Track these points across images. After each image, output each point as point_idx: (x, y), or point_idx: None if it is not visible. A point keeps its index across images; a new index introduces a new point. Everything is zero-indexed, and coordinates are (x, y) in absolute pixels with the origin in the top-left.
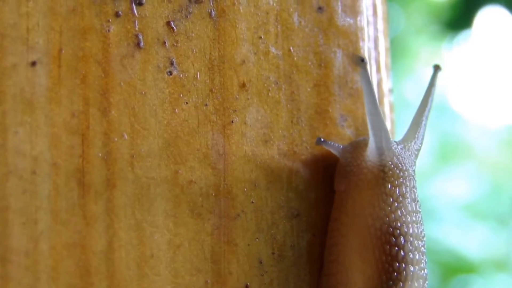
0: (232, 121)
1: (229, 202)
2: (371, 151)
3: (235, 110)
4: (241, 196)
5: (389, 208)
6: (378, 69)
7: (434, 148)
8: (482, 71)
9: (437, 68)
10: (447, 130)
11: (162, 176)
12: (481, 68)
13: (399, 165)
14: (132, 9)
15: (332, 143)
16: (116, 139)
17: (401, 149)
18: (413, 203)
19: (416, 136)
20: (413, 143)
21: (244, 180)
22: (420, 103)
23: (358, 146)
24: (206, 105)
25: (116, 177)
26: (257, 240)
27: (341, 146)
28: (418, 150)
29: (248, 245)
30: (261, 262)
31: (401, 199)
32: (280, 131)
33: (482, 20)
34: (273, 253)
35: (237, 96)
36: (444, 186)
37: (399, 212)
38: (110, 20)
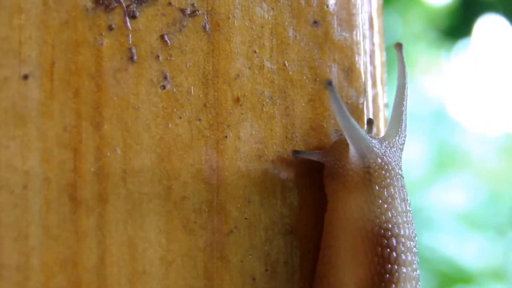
0: (226, 136)
1: (222, 218)
2: (353, 155)
3: (229, 125)
4: (235, 212)
5: (379, 210)
6: (374, 84)
7: (432, 157)
8: (481, 79)
9: (399, 46)
10: (444, 138)
11: (155, 192)
12: (480, 76)
13: (385, 165)
14: (125, 22)
15: (309, 152)
16: (108, 153)
17: (386, 147)
18: (403, 203)
19: (399, 130)
20: (397, 138)
21: (237, 196)
22: (397, 92)
23: (339, 147)
24: (199, 120)
25: (108, 192)
26: (250, 256)
27: (321, 151)
28: (403, 144)
29: (241, 261)
30: (254, 279)
31: (390, 200)
32: (275, 147)
33: (481, 29)
34: (266, 270)
35: (231, 111)
36: (441, 195)
37: (389, 213)
38: (103, 34)
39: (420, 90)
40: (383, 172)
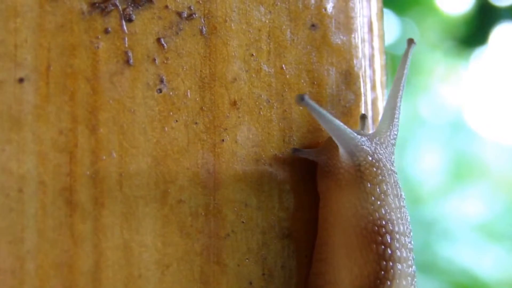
0: (223, 140)
1: (219, 221)
2: (342, 154)
3: (226, 129)
4: (231, 216)
5: (372, 207)
6: (373, 88)
7: (449, 166)
8: (499, 88)
9: (411, 42)
10: (462, 148)
11: (151, 195)
12: (498, 85)
13: (376, 163)
14: (121, 26)
15: (305, 150)
16: (104, 157)
17: (376, 144)
18: (396, 199)
19: (391, 125)
20: (388, 134)
21: (234, 199)
22: (393, 84)
23: (330, 145)
24: (196, 123)
25: (104, 196)
26: (247, 260)
27: (315, 150)
28: (395, 139)
29: (238, 265)
30: (251, 283)
31: (383, 196)
32: (272, 150)
33: (498, 37)
34: (263, 274)
35: (228, 115)
36: (459, 205)
37: (382, 210)
38: (99, 37)
39: (437, 99)
40: (374, 169)
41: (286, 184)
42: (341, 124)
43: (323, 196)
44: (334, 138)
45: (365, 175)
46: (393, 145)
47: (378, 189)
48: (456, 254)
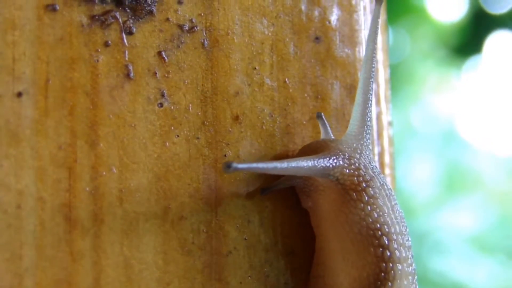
0: (225, 155)
1: (221, 238)
2: (317, 177)
3: (228, 144)
4: (234, 233)
5: (363, 213)
6: (378, 102)
7: (441, 178)
8: (492, 97)
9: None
10: (454, 159)
11: (152, 212)
12: (491, 95)
13: (355, 172)
14: (122, 39)
15: (277, 183)
16: (104, 173)
17: (350, 152)
18: (386, 199)
19: (365, 124)
20: (360, 137)
21: (236, 216)
22: (363, 71)
23: None
24: (198, 138)
25: (104, 212)
26: (249, 278)
27: (285, 178)
28: (369, 138)
29: (240, 283)
30: None
31: (372, 201)
32: None
33: (492, 45)
34: None
35: (230, 129)
36: (451, 217)
37: (374, 213)
38: (99, 50)
39: (430, 109)
40: (355, 178)
41: (289, 200)
42: (294, 162)
43: (311, 210)
44: (300, 175)
45: (347, 186)
46: (368, 145)
47: (365, 195)
48: (448, 267)
